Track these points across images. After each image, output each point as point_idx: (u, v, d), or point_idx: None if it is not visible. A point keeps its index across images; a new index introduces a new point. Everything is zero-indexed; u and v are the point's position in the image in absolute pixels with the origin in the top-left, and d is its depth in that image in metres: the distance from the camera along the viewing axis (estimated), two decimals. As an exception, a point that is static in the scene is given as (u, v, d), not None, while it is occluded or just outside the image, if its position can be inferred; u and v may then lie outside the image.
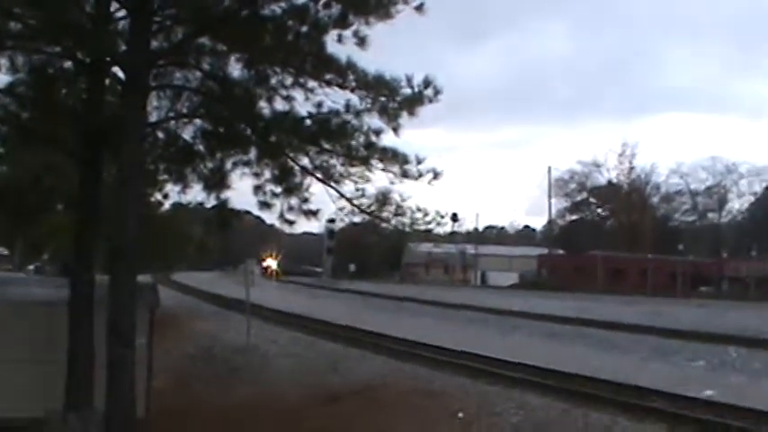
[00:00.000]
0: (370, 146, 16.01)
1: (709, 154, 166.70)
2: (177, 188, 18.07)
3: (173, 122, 16.88)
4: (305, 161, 16.40)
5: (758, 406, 18.35)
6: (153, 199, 21.49)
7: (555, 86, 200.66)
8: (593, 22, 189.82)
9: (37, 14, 13.78)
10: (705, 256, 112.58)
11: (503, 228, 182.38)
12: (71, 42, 14.58)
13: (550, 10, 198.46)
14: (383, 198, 16.33)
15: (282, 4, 14.83)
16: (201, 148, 17.15)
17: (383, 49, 15.69)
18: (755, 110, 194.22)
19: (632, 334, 36.95)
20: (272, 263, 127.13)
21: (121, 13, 14.85)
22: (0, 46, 14.87)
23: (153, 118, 16.08)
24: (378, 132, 15.92)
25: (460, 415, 18.71)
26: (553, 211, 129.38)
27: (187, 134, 17.17)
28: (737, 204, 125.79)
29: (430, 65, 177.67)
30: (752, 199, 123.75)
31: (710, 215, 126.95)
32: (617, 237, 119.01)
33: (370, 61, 15.48)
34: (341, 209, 16.75)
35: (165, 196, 19.89)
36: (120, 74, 14.87)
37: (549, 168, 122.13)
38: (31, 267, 60.83)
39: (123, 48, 14.69)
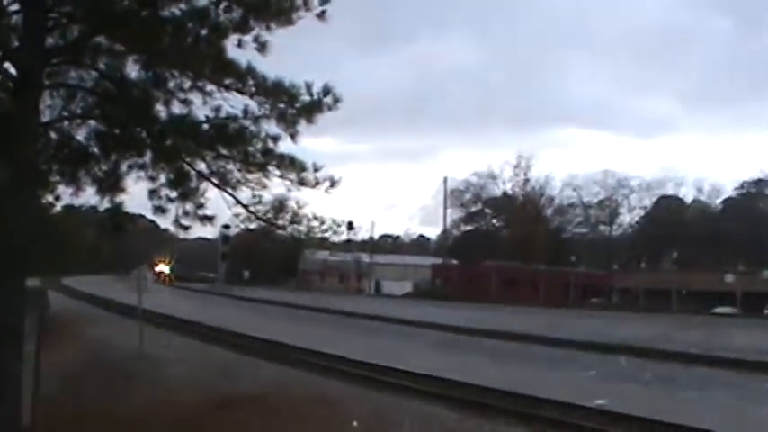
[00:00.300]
0: (267, 152, 15.90)
1: (601, 168, 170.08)
2: (70, 190, 17.64)
3: (66, 123, 16.51)
4: (201, 166, 16.21)
5: (646, 414, 18.74)
6: (44, 201, 20.99)
7: (455, 98, 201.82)
8: (497, 36, 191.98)
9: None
10: (596, 268, 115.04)
11: (398, 237, 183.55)
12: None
13: (455, 21, 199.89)
14: (279, 205, 16.26)
15: (182, 6, 14.64)
16: (96, 149, 16.79)
17: (282, 53, 15.60)
18: (646, 127, 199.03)
19: (525, 344, 37.42)
20: (164, 268, 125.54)
21: (15, 7, 14.49)
22: None
23: (46, 117, 15.70)
24: (275, 139, 15.83)
25: (355, 423, 18.68)
26: (448, 221, 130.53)
27: (81, 135, 16.80)
28: (628, 218, 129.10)
29: (330, 70, 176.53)
30: (642, 213, 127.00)
31: (602, 228, 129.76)
32: (511, 247, 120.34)
33: (269, 65, 15.40)
34: (237, 215, 16.63)
35: (57, 198, 19.37)
36: (12, 70, 14.49)
37: (445, 179, 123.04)
38: None
39: (16, 44, 14.33)
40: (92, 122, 16.60)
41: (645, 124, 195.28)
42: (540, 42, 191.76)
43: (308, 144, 17.16)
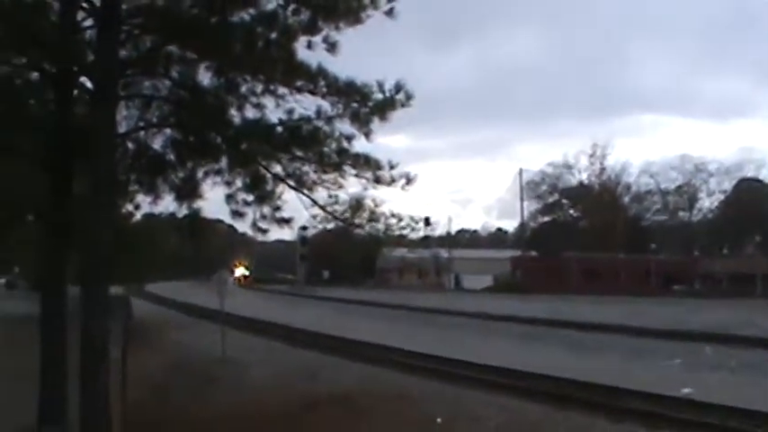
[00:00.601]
0: (342, 152, 15.93)
1: (674, 153, 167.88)
2: (148, 199, 17.91)
3: (143, 132, 16.72)
4: (277, 169, 16.31)
5: (734, 403, 18.41)
6: (124, 210, 21.27)
7: (526, 89, 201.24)
8: (564, 23, 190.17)
9: (1, 25, 13.61)
10: (677, 255, 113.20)
11: (475, 231, 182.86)
12: (38, 53, 14.41)
13: (521, 13, 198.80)
14: (356, 204, 16.24)
15: (251, 11, 14.72)
16: (172, 157, 17.00)
17: (354, 53, 15.62)
18: (723, 109, 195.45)
19: (608, 334, 37.02)
20: (243, 271, 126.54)
21: (89, 22, 14.70)
22: (-36, 58, 14.71)
23: (122, 128, 15.92)
24: (350, 138, 15.84)
25: (439, 420, 18.65)
26: (525, 213, 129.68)
27: (157, 144, 17.04)
28: (708, 203, 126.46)
29: (402, 68, 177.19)
30: (721, 197, 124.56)
31: (681, 214, 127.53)
32: (590, 237, 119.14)
33: (341, 66, 15.42)
34: (314, 216, 16.68)
35: (137, 207, 19.68)
36: (89, 84, 14.71)
37: (520, 170, 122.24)
38: (2, 281, 60.41)
39: (91, 58, 14.53)
40: (167, 131, 16.81)
41: (721, 107, 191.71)
42: (611, 29, 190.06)
43: (382, 142, 17.18)
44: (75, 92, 15.52)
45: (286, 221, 17.02)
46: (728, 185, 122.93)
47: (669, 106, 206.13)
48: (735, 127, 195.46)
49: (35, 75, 15.92)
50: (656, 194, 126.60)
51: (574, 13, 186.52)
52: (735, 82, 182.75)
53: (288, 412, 20.09)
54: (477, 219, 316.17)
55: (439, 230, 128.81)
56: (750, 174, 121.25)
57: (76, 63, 14.48)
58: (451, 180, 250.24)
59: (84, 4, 14.18)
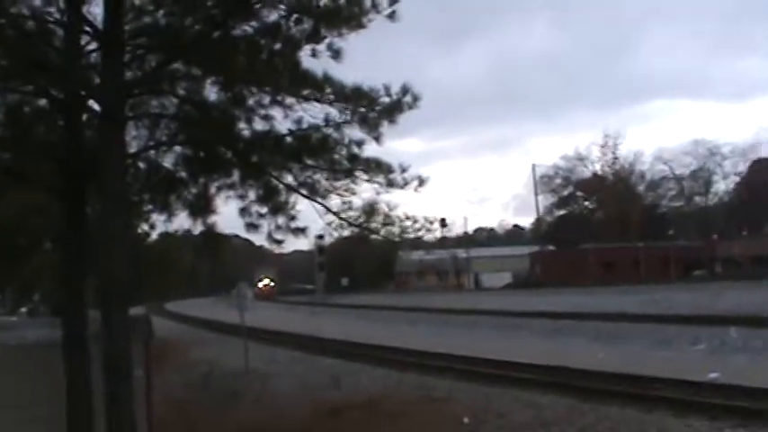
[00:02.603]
0: (353, 158, 15.92)
1: (690, 138, 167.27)
2: (163, 217, 17.94)
3: (153, 151, 16.73)
4: (289, 179, 16.30)
5: (762, 385, 18.33)
6: (140, 230, 21.36)
7: (536, 82, 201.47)
8: (574, 17, 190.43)
9: (6, 54, 13.66)
10: (695, 240, 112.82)
11: (492, 229, 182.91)
12: (44, 80, 14.44)
13: (532, 7, 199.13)
14: (370, 209, 16.21)
15: (254, 24, 14.73)
16: (184, 174, 17.00)
17: (361, 57, 15.61)
18: (735, 91, 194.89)
19: (632, 324, 36.94)
20: (267, 282, 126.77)
21: (92, 45, 14.72)
22: (-28, 88, 14.75)
23: (133, 148, 15.92)
24: (360, 144, 15.82)
25: (466, 420, 18.63)
26: (541, 207, 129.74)
27: (168, 162, 17.02)
28: (723, 186, 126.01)
29: (411, 69, 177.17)
30: (737, 179, 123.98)
31: (697, 199, 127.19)
32: (606, 228, 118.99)
33: (349, 70, 15.41)
34: (329, 224, 16.63)
35: (152, 226, 19.77)
36: (97, 107, 14.73)
37: (533, 166, 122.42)
38: (24, 310, 60.61)
39: (97, 81, 14.56)
40: (178, 148, 16.80)
41: (734, 88, 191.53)
42: (618, 18, 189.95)
43: (394, 146, 17.17)
44: (84, 116, 15.56)
45: (301, 231, 17.01)
46: (743, 167, 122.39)
47: (682, 91, 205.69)
48: (751, 107, 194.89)
49: (43, 101, 15.97)
50: (670, 181, 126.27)
51: (583, 3, 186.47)
52: (748, 61, 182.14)
53: (312, 420, 20.12)
54: (495, 216, 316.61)
55: (456, 230, 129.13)
56: (765, 154, 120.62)
57: (83, 87, 14.49)
58: (467, 179, 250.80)
59: (87, 28, 14.19)
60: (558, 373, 23.36)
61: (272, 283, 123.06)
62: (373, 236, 17.21)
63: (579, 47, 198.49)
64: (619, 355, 26.56)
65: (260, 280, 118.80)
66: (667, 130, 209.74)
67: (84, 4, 14.19)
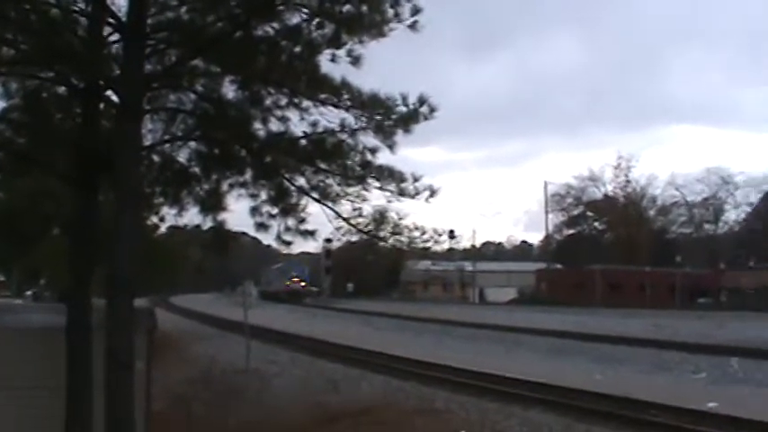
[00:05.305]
0: (366, 165, 15.96)
1: (704, 165, 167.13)
2: (173, 211, 17.98)
3: (168, 145, 16.81)
4: (301, 181, 16.36)
5: (760, 417, 18.31)
6: (149, 222, 21.41)
7: (555, 100, 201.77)
8: (598, 37, 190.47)
9: (29, 40, 13.75)
10: (703, 268, 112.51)
11: (500, 244, 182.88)
12: (64, 67, 14.53)
13: (556, 24, 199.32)
14: (380, 217, 16.25)
15: (275, 25, 14.80)
16: (197, 170, 17.08)
17: (383, 65, 15.67)
18: (752, 120, 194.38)
19: (633, 347, 36.89)
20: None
21: (115, 36, 14.81)
22: (-7, 72, 14.85)
23: (148, 141, 16.00)
24: (373, 151, 15.87)
25: (462, 432, 18.68)
26: (550, 225, 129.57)
27: (182, 157, 17.11)
28: (734, 215, 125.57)
29: (434, 80, 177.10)
30: (748, 209, 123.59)
31: (707, 226, 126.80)
32: (614, 250, 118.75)
33: (370, 77, 15.48)
34: (338, 228, 16.69)
35: (162, 219, 19.74)
36: (115, 98, 14.82)
37: (545, 183, 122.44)
38: (29, 293, 60.79)
39: (117, 72, 14.64)
40: (192, 143, 16.89)
41: (759, 117, 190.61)
42: (643, 41, 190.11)
43: (413, 155, 17.27)
44: (102, 105, 15.65)
45: (310, 233, 17.07)
46: (755, 198, 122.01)
47: (701, 117, 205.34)
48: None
49: (62, 89, 16.07)
50: (681, 207, 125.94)
51: (608, 23, 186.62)
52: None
53: (310, 424, 20.14)
54: (504, 231, 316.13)
55: (464, 243, 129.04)
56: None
57: (103, 77, 14.57)
58: (481, 192, 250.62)
59: (111, 20, 14.28)
60: (555, 392, 23.35)
61: (303, 282, 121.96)
62: (381, 243, 17.24)
63: (603, 65, 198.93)
64: (618, 378, 26.55)
65: (292, 278, 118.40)
66: (684, 155, 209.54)
67: (109, -5, 14.31)
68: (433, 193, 15.79)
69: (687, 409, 19.92)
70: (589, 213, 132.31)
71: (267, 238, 18.51)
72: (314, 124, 15.76)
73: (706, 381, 26.29)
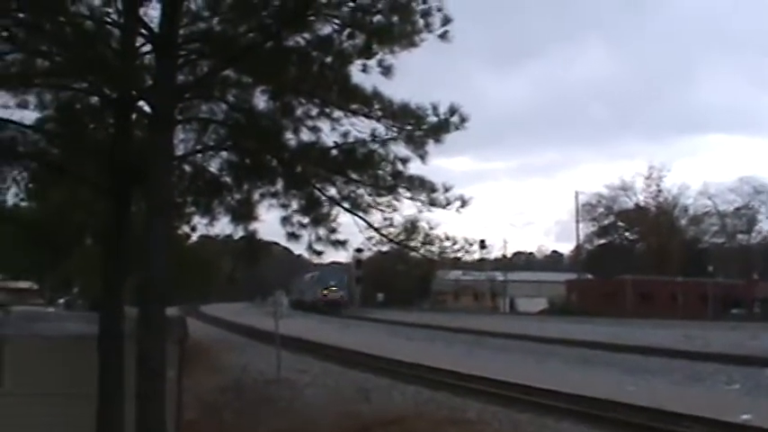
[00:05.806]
0: (397, 175, 15.97)
1: (737, 174, 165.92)
2: (205, 220, 18.07)
3: (199, 155, 16.90)
4: (332, 191, 16.39)
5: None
6: (181, 231, 21.51)
7: (587, 110, 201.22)
8: (629, 47, 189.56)
9: (63, 52, 13.87)
10: (735, 278, 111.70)
11: (531, 253, 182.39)
12: (98, 78, 14.64)
13: (587, 34, 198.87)
14: (411, 227, 16.23)
15: (306, 36, 14.84)
16: (228, 180, 17.16)
17: (414, 75, 15.64)
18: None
19: (665, 358, 36.65)
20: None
21: (147, 47, 14.91)
22: (28, 83, 14.96)
23: (180, 151, 16.08)
24: (404, 161, 15.88)
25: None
26: (581, 235, 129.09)
27: (214, 166, 17.20)
28: (767, 225, 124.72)
29: (467, 89, 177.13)
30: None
31: (740, 236, 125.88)
32: (646, 260, 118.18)
33: (401, 88, 15.48)
34: (369, 238, 16.68)
35: (193, 228, 19.83)
36: (147, 108, 14.91)
37: (576, 193, 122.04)
38: (61, 302, 61.12)
39: (150, 82, 14.74)
40: (224, 153, 16.97)
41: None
42: (675, 50, 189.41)
43: (444, 164, 17.27)
44: (134, 116, 15.75)
45: (341, 243, 17.10)
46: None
47: (735, 126, 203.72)
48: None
49: (95, 99, 16.18)
50: (713, 216, 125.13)
51: (641, 32, 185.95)
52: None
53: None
54: (535, 241, 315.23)
55: (494, 253, 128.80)
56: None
57: (136, 88, 14.67)
58: (512, 202, 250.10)
59: (143, 31, 14.38)
60: (588, 404, 23.21)
61: (342, 293, 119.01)
62: (412, 253, 17.23)
63: (636, 75, 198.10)
64: (650, 389, 26.36)
65: (329, 287, 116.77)
66: (716, 165, 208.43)
67: (141, 7, 14.41)
68: (464, 203, 15.79)
69: (721, 421, 19.75)
70: (620, 223, 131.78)
71: (298, 248, 18.55)
72: (345, 134, 15.80)
73: (739, 392, 26.06)
